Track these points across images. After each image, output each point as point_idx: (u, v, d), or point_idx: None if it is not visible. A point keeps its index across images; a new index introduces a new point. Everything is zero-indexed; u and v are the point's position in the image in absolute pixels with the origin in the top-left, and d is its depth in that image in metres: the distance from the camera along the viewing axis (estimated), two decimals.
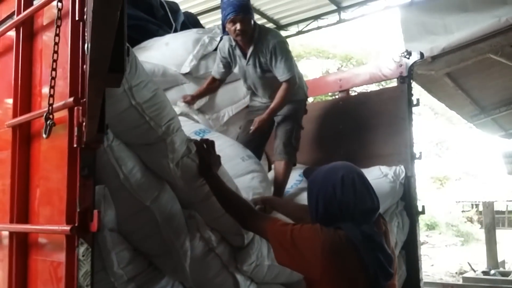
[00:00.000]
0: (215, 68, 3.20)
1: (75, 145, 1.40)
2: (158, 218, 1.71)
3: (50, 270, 1.57)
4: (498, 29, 4.81)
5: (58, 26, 1.37)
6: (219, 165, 1.94)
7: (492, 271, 7.85)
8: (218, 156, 1.94)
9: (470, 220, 19.41)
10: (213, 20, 6.19)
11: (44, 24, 1.72)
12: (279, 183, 3.02)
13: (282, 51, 2.88)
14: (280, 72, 2.88)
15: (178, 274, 1.81)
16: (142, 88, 1.62)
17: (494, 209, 11.85)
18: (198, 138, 2.16)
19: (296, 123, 3.09)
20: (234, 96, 3.69)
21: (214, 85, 3.26)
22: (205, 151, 1.88)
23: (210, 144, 1.92)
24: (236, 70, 3.13)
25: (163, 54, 3.34)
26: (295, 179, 3.37)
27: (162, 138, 1.69)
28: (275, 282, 2.29)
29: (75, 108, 1.41)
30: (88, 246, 1.41)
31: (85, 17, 1.33)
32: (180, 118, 2.10)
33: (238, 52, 3.00)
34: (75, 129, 1.39)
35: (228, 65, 3.11)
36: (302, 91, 3.14)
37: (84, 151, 1.42)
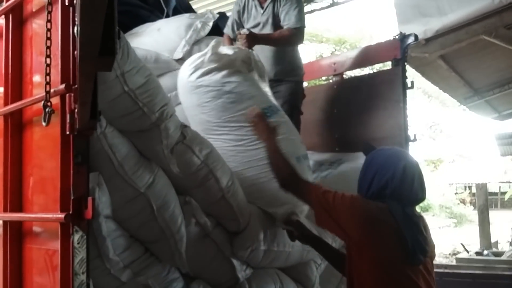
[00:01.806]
0: (229, 25, 3.13)
1: (67, 133, 1.39)
2: (153, 205, 1.71)
3: (45, 258, 1.57)
4: (491, 10, 4.79)
5: (50, 12, 1.35)
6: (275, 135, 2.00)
7: (485, 252, 7.95)
8: (274, 128, 2.00)
9: (463, 202, 19.61)
10: (205, 5, 6.12)
11: (34, 10, 1.69)
12: None
13: (298, 1, 2.83)
14: (292, 19, 2.79)
15: (174, 260, 1.81)
16: (134, 74, 1.61)
17: (487, 191, 11.96)
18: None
19: (295, 108, 3.02)
20: None
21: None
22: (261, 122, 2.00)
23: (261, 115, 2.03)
24: (248, 25, 3.01)
25: (155, 40, 3.30)
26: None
27: (155, 124, 1.68)
28: (271, 267, 2.30)
29: (67, 95, 1.40)
30: (83, 233, 1.40)
31: (74, 1, 1.30)
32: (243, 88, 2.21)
33: (255, 1, 2.93)
34: (68, 116, 1.38)
35: (241, 22, 3.04)
36: (302, 73, 3.09)
37: (77, 138, 1.41)
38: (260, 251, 2.15)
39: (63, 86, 1.42)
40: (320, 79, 4.54)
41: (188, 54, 3.37)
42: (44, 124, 1.36)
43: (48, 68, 1.36)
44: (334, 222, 1.71)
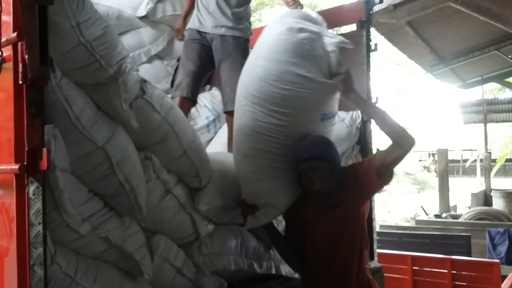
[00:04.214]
0: None
1: (20, 82, 1.36)
2: (112, 160, 1.70)
3: (2, 211, 1.55)
4: None
5: None
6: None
7: (444, 214, 8.28)
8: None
9: (427, 169, 20.21)
10: None
11: None
12: (230, 138, 2.97)
13: None
14: None
15: (134, 215, 1.82)
16: (90, 25, 1.57)
17: (449, 158, 12.34)
18: None
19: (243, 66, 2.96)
20: None
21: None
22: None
23: None
24: None
25: None
26: None
27: (113, 77, 1.65)
28: (232, 223, 2.35)
29: (19, 43, 1.36)
30: (39, 184, 1.40)
31: None
32: None
33: None
34: (20, 65, 1.35)
35: None
36: (250, 31, 3.02)
37: (31, 88, 1.38)
38: (221, 207, 2.19)
39: (15, 34, 1.38)
40: None
41: (152, 11, 3.30)
42: None
43: None
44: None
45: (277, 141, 2.06)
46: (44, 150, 1.38)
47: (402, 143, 1.99)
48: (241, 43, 2.92)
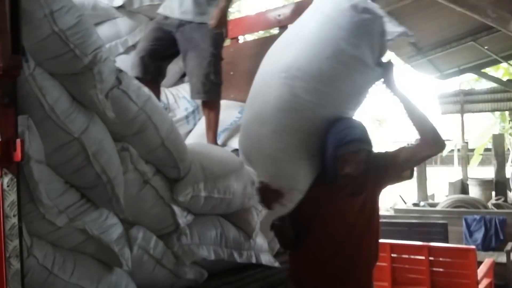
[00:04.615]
0: None
1: None
2: (88, 151, 1.68)
3: None
4: None
5: None
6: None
7: (422, 203, 8.42)
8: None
9: None
10: None
11: None
12: (209, 127, 2.94)
13: None
14: None
15: (112, 206, 1.81)
16: (64, 13, 1.55)
17: None
18: None
19: (212, 54, 2.81)
20: None
21: None
22: None
23: None
24: None
25: None
26: (234, 116, 3.39)
27: (88, 67, 1.63)
28: (212, 213, 2.35)
29: None
30: (13, 176, 1.37)
31: None
32: None
33: None
34: None
35: None
36: None
37: (3, 78, 1.35)
38: (201, 198, 2.19)
39: None
40: (266, 31, 4.52)
41: (129, 1, 3.26)
42: None
43: None
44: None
45: (312, 120, 1.95)
46: (18, 141, 1.36)
47: (433, 145, 1.96)
48: (209, 30, 2.83)
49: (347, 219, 2.01)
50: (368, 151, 1.97)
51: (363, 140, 1.95)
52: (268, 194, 2.02)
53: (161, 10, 2.96)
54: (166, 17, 2.91)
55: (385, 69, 2.00)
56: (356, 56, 1.92)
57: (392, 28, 2.00)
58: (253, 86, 2.15)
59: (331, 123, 1.95)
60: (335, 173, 1.96)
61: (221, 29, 2.82)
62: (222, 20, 2.80)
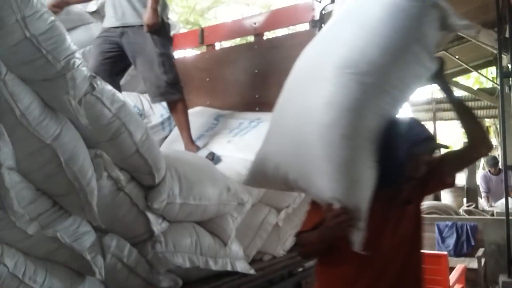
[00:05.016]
0: None
1: None
2: (61, 157, 1.65)
3: None
4: None
5: None
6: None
7: None
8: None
9: None
10: None
11: None
12: (180, 127, 2.92)
13: None
14: None
15: (85, 214, 1.78)
16: (37, 18, 1.53)
17: None
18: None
19: (159, 54, 2.77)
20: None
21: None
22: None
23: None
24: None
25: None
26: (210, 122, 3.40)
27: (61, 73, 1.60)
28: (187, 220, 2.34)
29: None
30: None
31: None
32: None
33: None
34: None
35: None
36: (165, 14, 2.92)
37: None
38: (176, 205, 2.18)
39: None
40: (242, 39, 4.55)
41: (102, 7, 3.24)
42: None
43: None
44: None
45: (381, 120, 1.71)
46: None
47: (480, 146, 1.86)
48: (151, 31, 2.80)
49: (401, 229, 1.79)
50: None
51: (435, 140, 1.80)
52: (342, 218, 1.65)
53: (104, 24, 2.94)
54: (109, 29, 2.88)
55: (438, 65, 1.88)
56: (423, 48, 1.77)
57: (456, 21, 1.86)
58: (293, 89, 1.92)
59: (393, 122, 1.76)
60: (400, 176, 1.73)
61: (155, 28, 2.77)
62: (154, 20, 2.75)
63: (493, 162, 8.14)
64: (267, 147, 2.00)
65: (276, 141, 1.93)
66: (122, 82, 3.42)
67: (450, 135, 15.92)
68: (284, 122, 1.89)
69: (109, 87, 1.89)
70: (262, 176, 2.02)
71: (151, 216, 2.08)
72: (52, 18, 1.59)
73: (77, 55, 1.69)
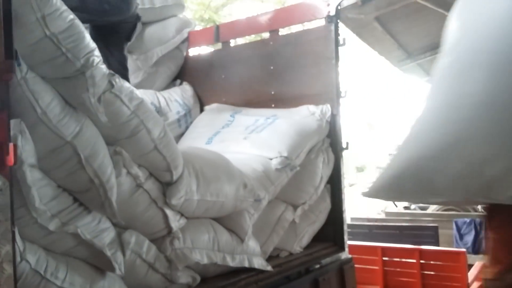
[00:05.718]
0: None
1: None
2: (81, 154, 1.68)
3: None
4: None
5: None
6: None
7: (413, 206, 8.47)
8: None
9: None
10: None
11: None
12: None
13: None
14: None
15: (105, 210, 1.80)
16: (56, 17, 1.55)
17: None
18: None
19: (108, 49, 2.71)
20: (163, 36, 3.60)
21: None
22: None
23: None
24: None
25: None
26: (226, 119, 3.41)
27: (81, 71, 1.63)
28: (205, 216, 2.35)
29: None
30: (5, 180, 1.37)
31: None
32: None
33: None
34: None
35: None
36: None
37: None
38: (194, 201, 2.19)
39: None
40: (257, 35, 4.54)
41: None
42: None
43: None
44: None
45: None
46: (11, 145, 1.36)
47: None
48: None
49: None
50: None
51: None
52: None
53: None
54: None
55: None
56: None
57: None
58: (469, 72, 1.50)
59: None
60: None
61: None
62: None
63: None
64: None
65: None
66: (139, 79, 3.46)
67: None
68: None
69: (127, 85, 1.90)
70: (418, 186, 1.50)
71: (169, 212, 2.09)
72: (72, 16, 1.61)
73: (96, 52, 1.71)
